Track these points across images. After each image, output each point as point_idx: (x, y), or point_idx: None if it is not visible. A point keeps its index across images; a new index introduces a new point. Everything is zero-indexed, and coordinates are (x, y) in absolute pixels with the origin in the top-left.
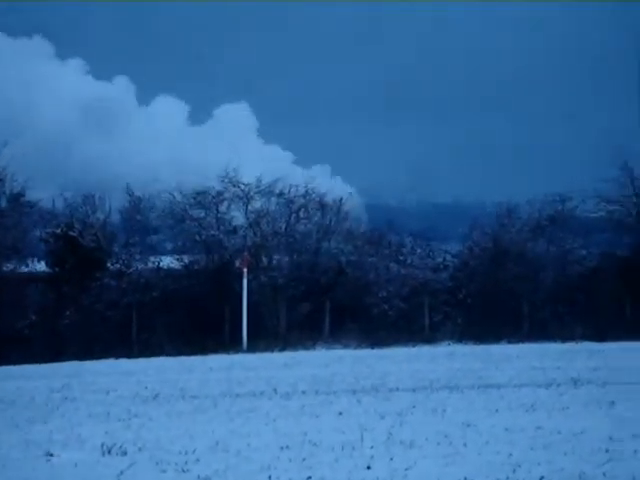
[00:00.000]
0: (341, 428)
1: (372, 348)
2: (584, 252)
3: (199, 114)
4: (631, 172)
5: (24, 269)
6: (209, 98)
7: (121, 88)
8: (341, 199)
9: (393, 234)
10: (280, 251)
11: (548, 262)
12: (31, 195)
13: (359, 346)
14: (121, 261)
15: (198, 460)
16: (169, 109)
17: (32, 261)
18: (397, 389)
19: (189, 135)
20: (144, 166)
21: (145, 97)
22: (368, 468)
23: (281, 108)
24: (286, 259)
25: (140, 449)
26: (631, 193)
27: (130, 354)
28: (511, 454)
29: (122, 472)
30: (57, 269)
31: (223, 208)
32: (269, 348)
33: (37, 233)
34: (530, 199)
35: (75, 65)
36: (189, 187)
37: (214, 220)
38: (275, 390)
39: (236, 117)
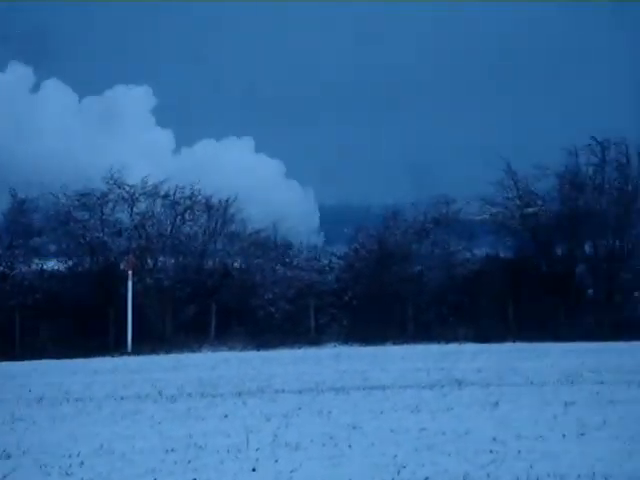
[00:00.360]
0: (227, 430)
1: (258, 350)
2: (468, 254)
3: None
4: (515, 175)
5: None
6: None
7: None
8: (227, 200)
9: (279, 236)
10: (166, 253)
11: (433, 264)
12: None
13: (245, 348)
14: (4, 263)
15: (82, 463)
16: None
17: None
18: (283, 391)
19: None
20: (27, 165)
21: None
22: (253, 470)
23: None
24: (172, 261)
25: (24, 452)
26: (514, 196)
27: (13, 357)
28: (396, 455)
29: (5, 476)
30: None
31: (108, 210)
32: (155, 351)
33: None
34: (415, 201)
35: None
36: (74, 188)
37: (99, 222)
38: (160, 393)
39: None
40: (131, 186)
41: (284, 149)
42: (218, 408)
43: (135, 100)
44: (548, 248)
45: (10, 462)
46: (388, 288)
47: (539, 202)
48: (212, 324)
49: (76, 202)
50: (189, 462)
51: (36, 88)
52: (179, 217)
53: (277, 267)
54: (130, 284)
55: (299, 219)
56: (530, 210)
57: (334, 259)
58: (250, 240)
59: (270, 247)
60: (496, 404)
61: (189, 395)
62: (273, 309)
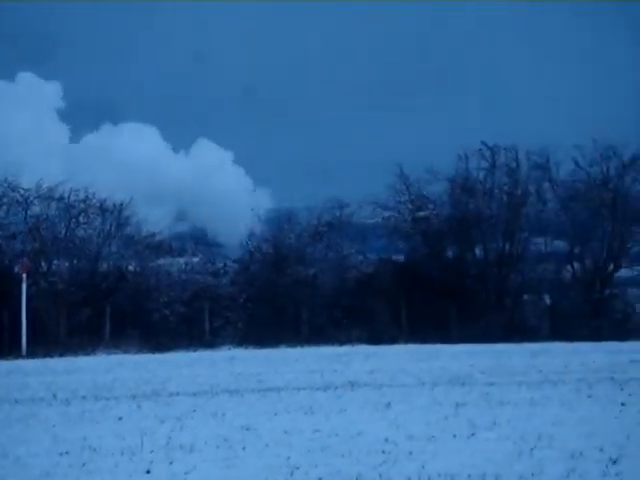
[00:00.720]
0: (121, 433)
1: (153, 353)
2: (361, 258)
3: None
4: (407, 179)
5: None
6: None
7: None
8: (122, 204)
9: (175, 239)
10: (60, 256)
11: (326, 267)
12: None
13: (140, 351)
14: None
15: None
16: None
17: None
18: (177, 394)
19: None
20: None
21: None
22: (148, 472)
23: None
24: (66, 264)
25: None
26: (406, 199)
27: None
28: (289, 457)
29: None
30: None
31: (2, 213)
32: (49, 354)
33: None
34: (309, 205)
35: None
36: None
37: None
38: (55, 396)
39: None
40: (25, 189)
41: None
42: (112, 411)
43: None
44: (439, 251)
45: None
46: (282, 291)
47: (430, 206)
48: (107, 327)
49: None
50: (83, 465)
51: None
52: (73, 220)
53: (172, 270)
54: (24, 287)
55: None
56: (422, 214)
57: (229, 262)
58: (145, 243)
59: (165, 250)
60: (388, 405)
61: (83, 398)
62: (168, 312)
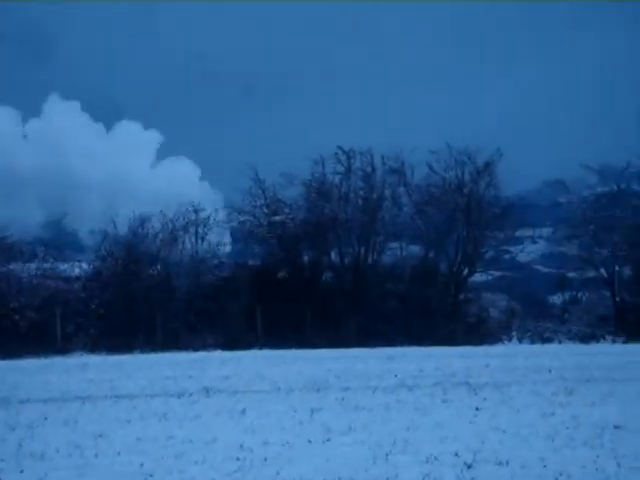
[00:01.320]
0: None
1: (3, 359)
2: (217, 262)
3: None
4: (262, 183)
5: None
6: None
7: None
8: None
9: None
10: None
11: (181, 271)
12: None
13: None
14: None
15: None
16: None
17: None
18: (28, 400)
19: None
20: None
21: None
22: None
23: None
24: None
25: None
26: (262, 204)
27: None
28: (143, 464)
29: None
30: None
31: None
32: None
33: None
34: (164, 208)
35: None
36: None
37: None
38: None
39: None
40: None
41: None
42: None
43: None
44: (295, 255)
45: None
46: (136, 296)
47: (286, 210)
48: None
49: None
50: None
51: None
52: None
53: (22, 275)
54: None
55: None
56: (277, 218)
57: (82, 267)
58: None
59: (16, 254)
60: (243, 411)
61: None
62: (18, 318)
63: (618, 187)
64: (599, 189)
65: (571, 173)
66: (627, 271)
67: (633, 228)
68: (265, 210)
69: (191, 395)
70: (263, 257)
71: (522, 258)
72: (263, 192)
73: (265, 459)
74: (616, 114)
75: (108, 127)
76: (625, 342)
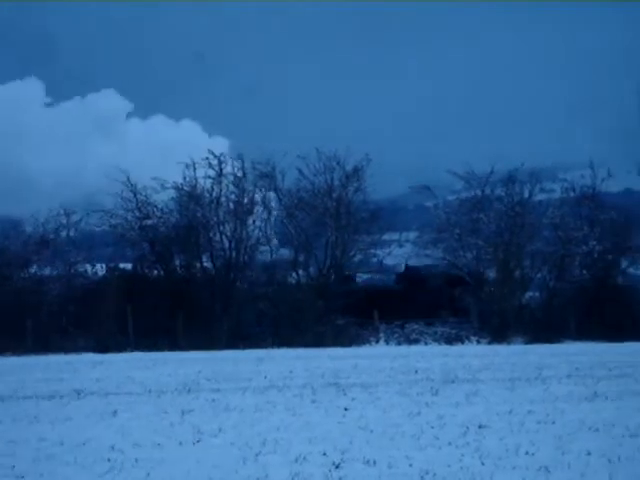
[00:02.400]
0: None
1: None
2: (88, 265)
3: None
4: (134, 187)
5: None
6: None
7: None
8: None
9: None
10: None
11: (53, 275)
12: None
13: None
14: None
15: None
16: None
17: None
18: None
19: None
20: None
21: None
22: None
23: None
24: None
25: None
26: (134, 207)
27: None
28: (14, 466)
29: None
30: None
31: None
32: None
33: None
34: (34, 212)
35: None
36: None
37: None
38: None
39: None
40: None
41: None
42: None
43: None
44: (167, 259)
45: None
46: (7, 299)
47: (158, 214)
48: None
49: None
50: None
51: None
52: None
53: None
54: None
55: None
56: (149, 222)
57: None
58: None
59: None
60: (115, 413)
61: None
62: None
63: (482, 192)
64: (464, 194)
65: (437, 178)
66: (491, 274)
67: (496, 232)
68: (137, 214)
69: (62, 397)
70: (135, 260)
71: (389, 261)
72: (135, 196)
73: (136, 460)
74: (480, 122)
75: None
76: (489, 343)
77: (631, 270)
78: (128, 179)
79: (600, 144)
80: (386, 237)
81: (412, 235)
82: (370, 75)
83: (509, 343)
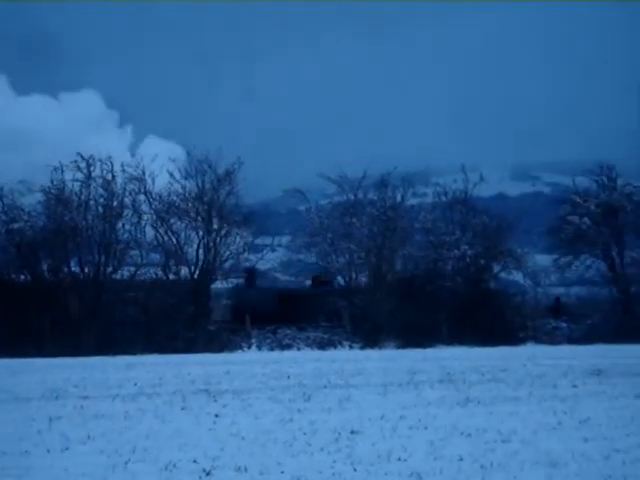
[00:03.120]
0: None
1: None
2: None
3: None
4: (0, 190)
5: None
6: None
7: None
8: None
9: None
10: None
11: None
12: None
13: None
14: None
15: None
16: None
17: None
18: None
19: None
20: None
21: None
22: None
23: None
24: None
25: None
26: (0, 211)
27: None
28: None
29: None
30: None
31: None
32: None
33: None
34: None
35: None
36: None
37: None
38: None
39: None
40: None
41: None
42: None
43: None
44: (34, 263)
45: None
46: None
47: (25, 217)
48: None
49: None
50: None
51: None
52: None
53: None
54: None
55: None
56: (15, 225)
57: None
58: None
59: None
60: None
61: None
62: None
63: (355, 196)
64: (336, 198)
65: (310, 182)
66: (363, 278)
67: (369, 236)
68: (3, 217)
69: None
70: (1, 265)
71: (261, 266)
72: (1, 199)
73: (2, 468)
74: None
75: None
76: (362, 348)
77: (503, 275)
78: None
79: (472, 149)
80: (259, 241)
81: (285, 239)
82: (242, 77)
83: (381, 348)
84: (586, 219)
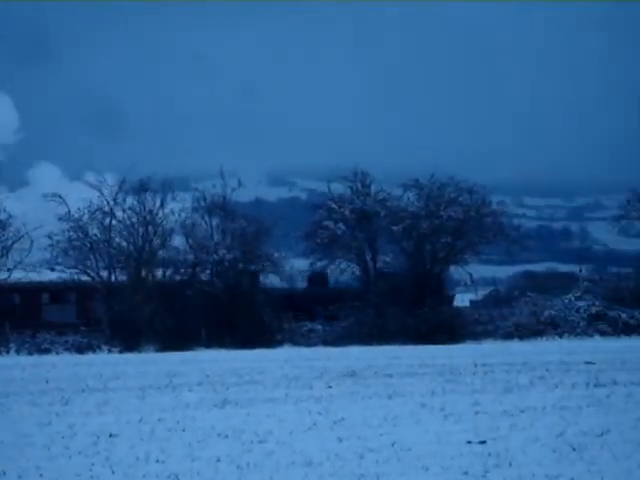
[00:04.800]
0: None
1: None
2: None
3: None
4: None
5: None
6: None
7: None
8: None
9: None
10: None
11: None
12: None
13: None
14: None
15: None
16: None
17: None
18: None
19: None
20: None
21: None
22: None
23: None
24: None
25: None
26: None
27: None
28: None
29: None
30: None
31: None
32: None
33: None
34: None
35: None
36: None
37: None
38: None
39: None
40: None
41: None
42: None
43: None
44: None
45: None
46: None
47: None
48: None
49: None
50: None
51: None
52: None
53: None
54: None
55: None
56: None
57: None
58: None
59: None
60: None
61: None
62: None
63: (114, 200)
64: (96, 203)
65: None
66: (123, 282)
67: (128, 240)
68: None
69: None
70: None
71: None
72: None
73: None
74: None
75: None
76: (121, 352)
77: (261, 278)
78: None
79: (230, 154)
80: None
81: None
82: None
83: (140, 351)
84: (341, 224)
